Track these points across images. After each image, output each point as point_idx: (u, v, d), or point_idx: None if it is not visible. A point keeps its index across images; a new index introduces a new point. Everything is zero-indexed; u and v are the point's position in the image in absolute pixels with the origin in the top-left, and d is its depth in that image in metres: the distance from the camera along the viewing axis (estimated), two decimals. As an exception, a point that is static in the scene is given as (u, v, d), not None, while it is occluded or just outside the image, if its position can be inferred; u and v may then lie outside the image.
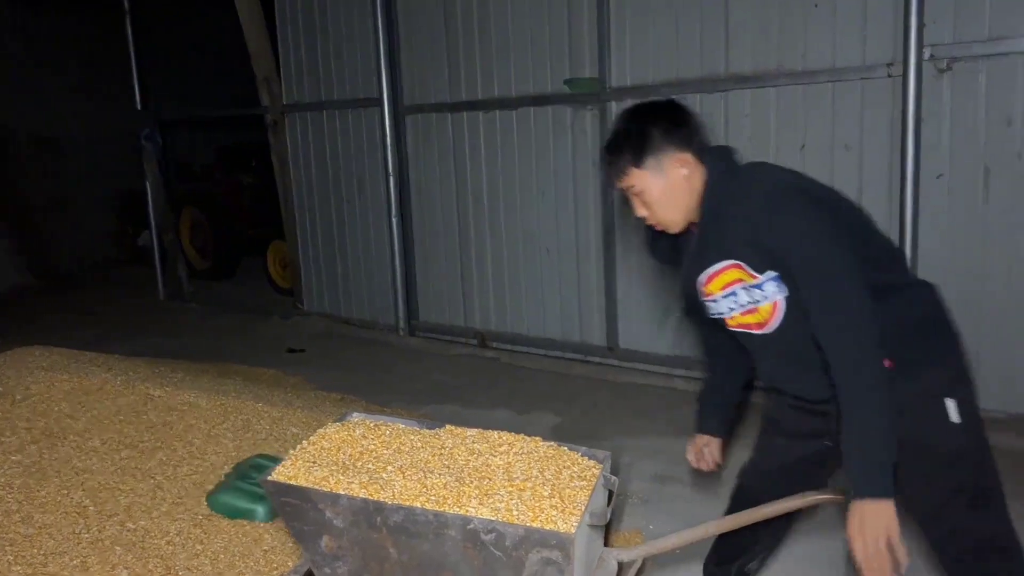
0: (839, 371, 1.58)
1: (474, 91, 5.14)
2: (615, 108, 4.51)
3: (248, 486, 2.66)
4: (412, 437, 1.78)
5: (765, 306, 1.74)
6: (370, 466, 1.65)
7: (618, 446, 3.54)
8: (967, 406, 1.67)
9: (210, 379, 3.91)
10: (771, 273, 1.70)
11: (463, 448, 1.74)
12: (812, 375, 1.72)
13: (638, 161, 1.74)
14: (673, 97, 1.89)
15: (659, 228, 1.82)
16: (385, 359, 5.32)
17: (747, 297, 1.75)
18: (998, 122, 3.53)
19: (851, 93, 3.84)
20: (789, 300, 1.71)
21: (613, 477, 1.72)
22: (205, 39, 9.18)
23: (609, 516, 1.66)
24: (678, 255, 1.90)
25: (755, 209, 1.68)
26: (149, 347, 5.37)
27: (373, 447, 1.74)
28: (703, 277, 1.80)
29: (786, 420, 1.93)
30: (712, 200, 1.74)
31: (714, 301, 1.81)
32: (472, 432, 1.81)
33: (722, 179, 1.75)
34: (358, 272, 6.02)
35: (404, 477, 1.60)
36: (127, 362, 3.91)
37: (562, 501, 1.54)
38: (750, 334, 1.81)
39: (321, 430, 1.80)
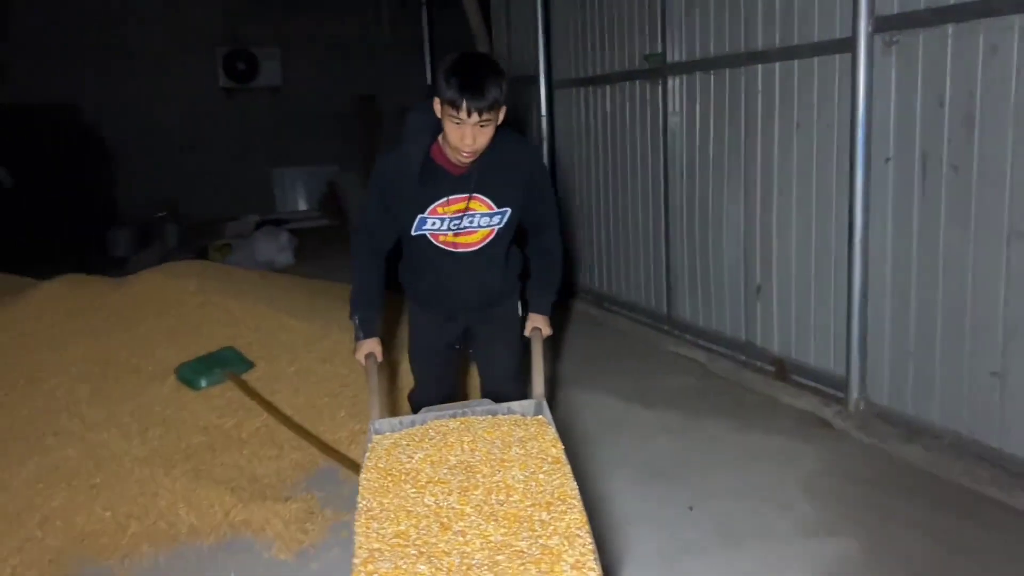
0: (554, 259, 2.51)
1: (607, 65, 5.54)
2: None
3: (201, 366, 3.77)
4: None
5: (484, 230, 2.31)
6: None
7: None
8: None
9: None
10: (507, 208, 2.29)
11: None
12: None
13: (502, 102, 2.10)
14: None
15: (468, 157, 2.15)
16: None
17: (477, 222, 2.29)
18: (932, 103, 3.08)
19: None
20: (501, 228, 2.32)
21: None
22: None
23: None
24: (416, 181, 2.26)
25: (530, 163, 2.34)
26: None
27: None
28: (446, 200, 2.24)
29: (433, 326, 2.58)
30: (490, 146, 2.17)
31: (440, 219, 2.27)
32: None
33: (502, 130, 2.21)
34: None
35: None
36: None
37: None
38: (451, 251, 2.33)
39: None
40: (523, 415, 2.08)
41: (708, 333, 4.63)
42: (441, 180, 2.24)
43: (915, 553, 2.59)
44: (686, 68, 4.56)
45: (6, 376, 3.76)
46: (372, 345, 2.38)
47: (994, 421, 3.02)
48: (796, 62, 3.77)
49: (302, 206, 10.65)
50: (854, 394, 3.59)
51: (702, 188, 4.57)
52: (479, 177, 2.23)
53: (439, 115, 2.12)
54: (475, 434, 1.95)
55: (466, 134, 2.07)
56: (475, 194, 2.25)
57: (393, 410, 3.40)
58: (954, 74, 3.03)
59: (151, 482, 3.07)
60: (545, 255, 2.50)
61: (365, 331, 2.39)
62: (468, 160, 2.17)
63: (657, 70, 4.78)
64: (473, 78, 2.02)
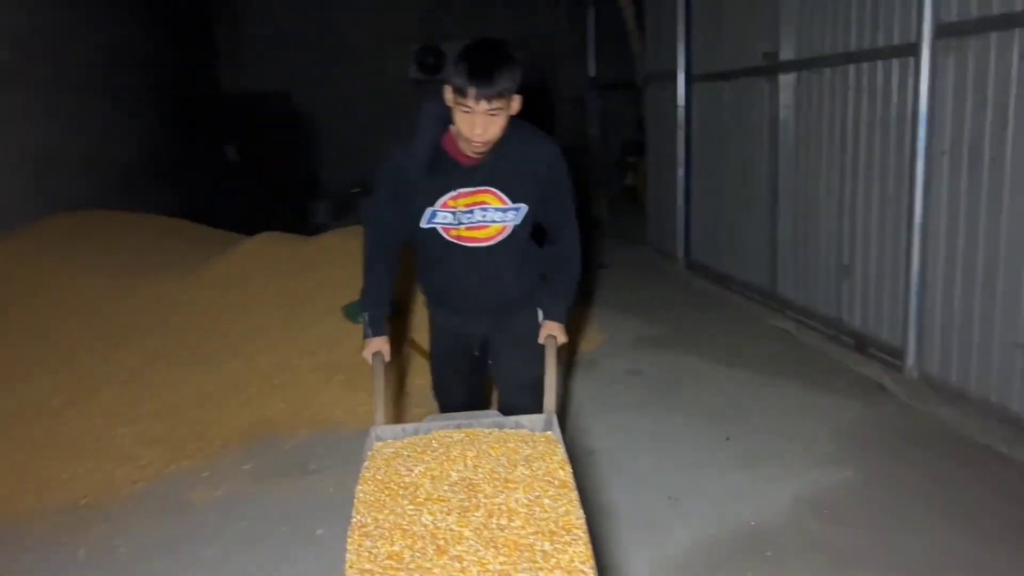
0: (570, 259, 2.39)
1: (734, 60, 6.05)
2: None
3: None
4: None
5: (498, 225, 2.23)
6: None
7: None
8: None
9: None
10: (521, 204, 2.22)
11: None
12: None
13: (514, 90, 2.02)
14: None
15: (480, 148, 2.07)
16: (664, 288, 6.57)
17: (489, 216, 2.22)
18: (979, 102, 3.45)
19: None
20: (516, 226, 2.24)
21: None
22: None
23: None
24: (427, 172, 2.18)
25: (547, 158, 2.22)
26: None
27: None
28: (457, 192, 2.17)
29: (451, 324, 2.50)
30: (505, 137, 2.10)
31: (452, 212, 2.20)
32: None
33: (514, 123, 2.12)
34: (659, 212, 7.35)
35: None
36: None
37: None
38: (462, 245, 2.25)
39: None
40: (532, 430, 1.97)
41: (804, 308, 5.08)
42: (452, 171, 2.17)
43: (902, 484, 3.07)
44: (794, 66, 5.02)
45: (220, 305, 4.92)
46: (380, 344, 2.30)
47: (1015, 387, 3.38)
48: (879, 63, 4.17)
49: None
50: (909, 363, 3.99)
51: (803, 176, 5.03)
52: (492, 169, 2.16)
53: (450, 103, 2.04)
54: (479, 448, 1.86)
55: (476, 123, 2.00)
56: (488, 187, 2.18)
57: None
58: (995, 77, 3.39)
59: (316, 387, 4.07)
60: (560, 258, 2.40)
61: (374, 328, 2.31)
62: (480, 151, 2.09)
63: (772, 67, 5.26)
64: (483, 65, 1.95)
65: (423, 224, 2.24)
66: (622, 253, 7.85)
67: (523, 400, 2.39)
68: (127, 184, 6.77)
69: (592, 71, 9.61)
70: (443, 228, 2.24)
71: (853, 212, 4.51)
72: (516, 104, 2.06)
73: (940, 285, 3.82)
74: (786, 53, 5.11)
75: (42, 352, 4.33)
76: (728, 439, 3.53)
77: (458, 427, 1.98)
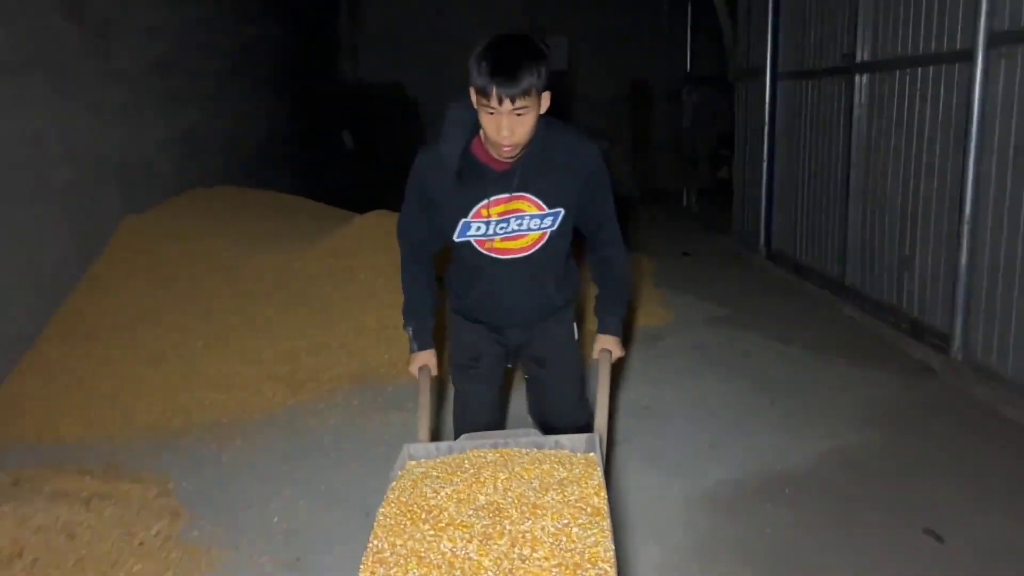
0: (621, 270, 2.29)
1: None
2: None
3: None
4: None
5: (535, 233, 2.10)
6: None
7: None
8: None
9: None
10: (559, 208, 2.08)
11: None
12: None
13: (541, 87, 1.88)
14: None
15: (509, 151, 1.94)
16: (743, 276, 6.92)
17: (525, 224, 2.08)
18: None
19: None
20: (553, 232, 2.10)
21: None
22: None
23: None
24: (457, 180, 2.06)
25: (586, 159, 2.08)
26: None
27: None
28: (490, 201, 2.04)
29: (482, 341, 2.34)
30: (538, 138, 1.99)
31: (485, 223, 2.07)
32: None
33: (547, 122, 2.01)
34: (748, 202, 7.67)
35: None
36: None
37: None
38: (499, 258, 2.13)
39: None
40: (572, 451, 1.85)
41: (868, 297, 5.38)
42: (483, 178, 2.05)
43: (924, 448, 3.42)
44: (868, 68, 5.31)
45: (335, 271, 5.61)
46: (426, 357, 2.25)
47: (1046, 370, 3.67)
48: (942, 67, 4.46)
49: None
50: (955, 347, 4.28)
51: (872, 173, 5.32)
52: (525, 173, 2.03)
53: (475, 105, 1.92)
54: (512, 470, 1.76)
55: (502, 125, 1.87)
56: (522, 192, 2.05)
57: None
58: (1038, 83, 3.68)
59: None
60: (607, 266, 2.29)
61: (419, 342, 2.25)
62: (509, 154, 1.97)
63: (848, 68, 5.55)
64: (504, 61, 1.83)
65: (456, 237, 2.12)
66: (707, 243, 8.21)
67: (563, 417, 2.29)
68: (256, 164, 7.58)
69: (688, 66, 9.95)
70: (477, 240, 2.12)
71: (915, 207, 4.79)
72: (545, 101, 1.96)
73: (985, 275, 4.10)
74: (862, 55, 5.40)
75: (187, 303, 5.10)
76: (772, 403, 3.94)
77: (494, 446, 1.88)
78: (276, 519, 2.96)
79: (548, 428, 2.29)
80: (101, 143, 5.09)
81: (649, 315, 5.47)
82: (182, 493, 3.16)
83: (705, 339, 5.02)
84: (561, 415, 2.38)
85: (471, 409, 2.45)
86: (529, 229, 2.10)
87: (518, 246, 2.12)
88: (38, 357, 4.32)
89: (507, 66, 1.83)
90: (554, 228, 2.11)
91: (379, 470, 3.35)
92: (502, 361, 2.40)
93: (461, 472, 1.78)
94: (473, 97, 1.92)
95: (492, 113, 1.88)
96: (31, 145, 4.39)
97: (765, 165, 7.14)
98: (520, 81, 1.83)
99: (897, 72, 4.95)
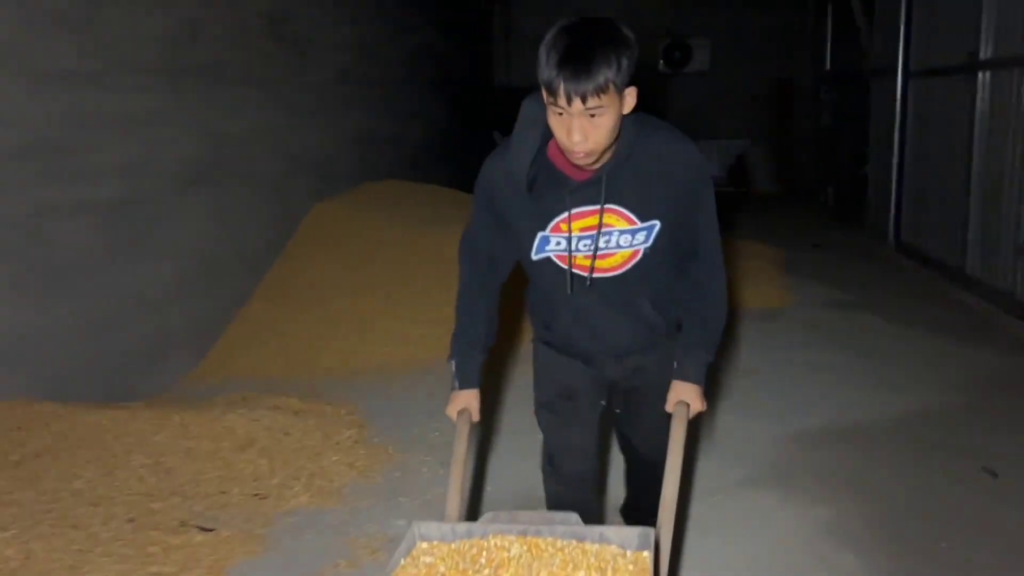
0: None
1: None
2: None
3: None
4: None
5: (626, 251, 1.78)
6: None
7: None
8: None
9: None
10: (654, 221, 1.76)
11: None
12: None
13: (622, 82, 1.58)
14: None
15: (583, 158, 1.65)
16: (870, 266, 7.21)
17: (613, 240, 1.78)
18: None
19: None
20: (648, 249, 1.78)
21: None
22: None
23: None
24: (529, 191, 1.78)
25: (684, 164, 1.77)
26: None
27: None
28: (570, 213, 1.75)
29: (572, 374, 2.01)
30: (626, 141, 1.70)
31: (565, 238, 1.78)
32: None
33: (637, 121, 1.72)
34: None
35: None
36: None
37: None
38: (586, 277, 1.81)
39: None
40: (621, 548, 1.50)
41: (986, 284, 5.61)
42: (562, 187, 1.76)
43: (1001, 408, 3.79)
44: (991, 65, 5.55)
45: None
46: (468, 399, 1.93)
47: None
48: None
49: (713, 173, 12.57)
50: (1055, 329, 4.55)
51: (993, 167, 5.55)
52: (612, 182, 1.73)
53: (545, 104, 1.64)
54: (537, 572, 1.44)
55: (573, 128, 1.58)
56: (610, 204, 1.75)
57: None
58: None
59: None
60: (697, 296, 1.90)
61: (461, 380, 1.94)
62: (586, 161, 1.66)
63: (972, 65, 5.79)
64: (575, 50, 1.54)
65: (534, 255, 1.84)
66: (840, 235, 8.47)
67: (658, 472, 1.73)
68: (418, 160, 8.53)
69: (828, 63, 10.14)
70: (558, 256, 1.82)
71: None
72: (630, 99, 1.65)
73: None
74: (985, 52, 5.64)
75: (363, 274, 6.04)
76: (872, 370, 4.38)
77: (522, 534, 1.55)
78: (436, 434, 3.74)
79: (635, 486, 2.19)
80: (295, 142, 6.12)
81: (769, 297, 5.92)
82: (365, 414, 4.00)
83: (821, 319, 5.45)
84: (655, 471, 1.82)
85: (562, 456, 2.09)
86: (619, 246, 1.80)
87: (607, 265, 1.82)
88: (249, 314, 5.35)
89: (579, 56, 1.54)
90: (648, 244, 1.80)
91: (512, 402, 4.06)
92: (599, 398, 2.07)
93: (474, 569, 1.48)
94: (544, 95, 1.64)
95: (561, 114, 1.60)
96: (244, 143, 5.43)
97: (896, 160, 7.37)
98: (594, 75, 1.54)
99: (1016, 70, 5.19)
